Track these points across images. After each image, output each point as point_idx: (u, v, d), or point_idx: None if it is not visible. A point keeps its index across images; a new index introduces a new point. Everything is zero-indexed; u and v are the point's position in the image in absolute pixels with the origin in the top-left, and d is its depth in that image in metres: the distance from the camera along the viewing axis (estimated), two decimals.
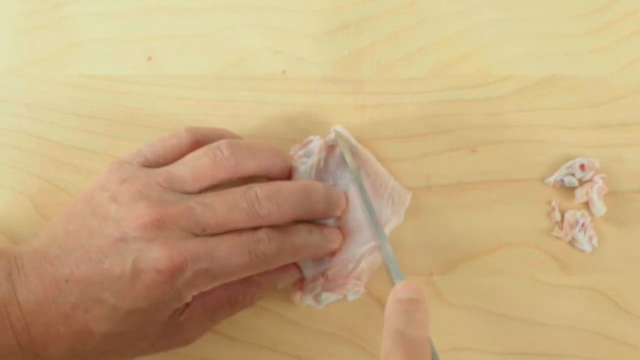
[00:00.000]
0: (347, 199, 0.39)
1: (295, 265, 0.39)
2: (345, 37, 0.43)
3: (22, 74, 0.43)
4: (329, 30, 0.43)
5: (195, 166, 0.36)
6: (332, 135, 0.41)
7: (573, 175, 0.41)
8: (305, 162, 0.40)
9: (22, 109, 0.43)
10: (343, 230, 0.39)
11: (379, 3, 0.43)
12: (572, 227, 0.40)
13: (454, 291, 0.40)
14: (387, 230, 0.39)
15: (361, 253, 0.39)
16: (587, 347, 0.40)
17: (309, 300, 0.39)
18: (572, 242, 0.41)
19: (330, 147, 0.40)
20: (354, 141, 0.40)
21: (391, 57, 0.43)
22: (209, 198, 0.36)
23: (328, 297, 0.39)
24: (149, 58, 0.43)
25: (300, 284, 0.39)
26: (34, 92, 0.43)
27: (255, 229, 0.36)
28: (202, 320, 0.36)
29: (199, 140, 0.38)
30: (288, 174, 0.39)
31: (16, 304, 0.33)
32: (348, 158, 0.39)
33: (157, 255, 0.34)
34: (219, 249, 0.35)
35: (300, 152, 0.40)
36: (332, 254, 0.39)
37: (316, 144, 0.40)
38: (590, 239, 0.40)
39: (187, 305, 0.36)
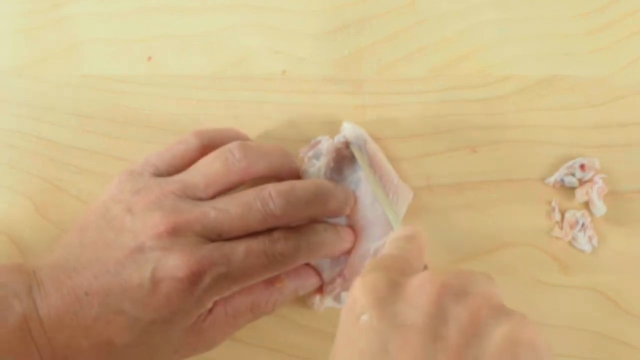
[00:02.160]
0: (354, 196, 0.39)
1: (316, 272, 0.39)
2: (345, 37, 0.43)
3: (22, 74, 0.43)
4: (329, 30, 0.43)
5: (208, 172, 0.36)
6: (341, 135, 0.40)
7: (573, 175, 0.41)
8: (314, 163, 0.39)
9: (22, 109, 0.42)
10: (354, 228, 0.39)
11: (379, 3, 0.43)
12: (572, 227, 0.40)
13: None
14: None
15: (375, 248, 0.39)
16: (587, 347, 0.40)
17: (329, 302, 0.39)
18: (572, 242, 0.41)
19: (339, 147, 0.40)
20: (365, 135, 0.40)
21: (391, 57, 0.43)
22: (222, 202, 0.36)
23: (348, 295, 0.39)
24: (149, 58, 0.43)
25: (319, 288, 0.39)
26: (34, 92, 0.43)
27: (270, 230, 0.36)
28: (224, 327, 0.36)
29: (207, 144, 0.38)
30: (297, 175, 0.39)
31: (37, 320, 0.33)
32: (361, 160, 0.39)
33: (175, 264, 0.33)
34: (236, 253, 0.35)
35: (310, 154, 0.40)
36: (347, 253, 0.39)
37: (325, 144, 0.40)
38: (590, 239, 0.40)
39: (210, 311, 0.36)
